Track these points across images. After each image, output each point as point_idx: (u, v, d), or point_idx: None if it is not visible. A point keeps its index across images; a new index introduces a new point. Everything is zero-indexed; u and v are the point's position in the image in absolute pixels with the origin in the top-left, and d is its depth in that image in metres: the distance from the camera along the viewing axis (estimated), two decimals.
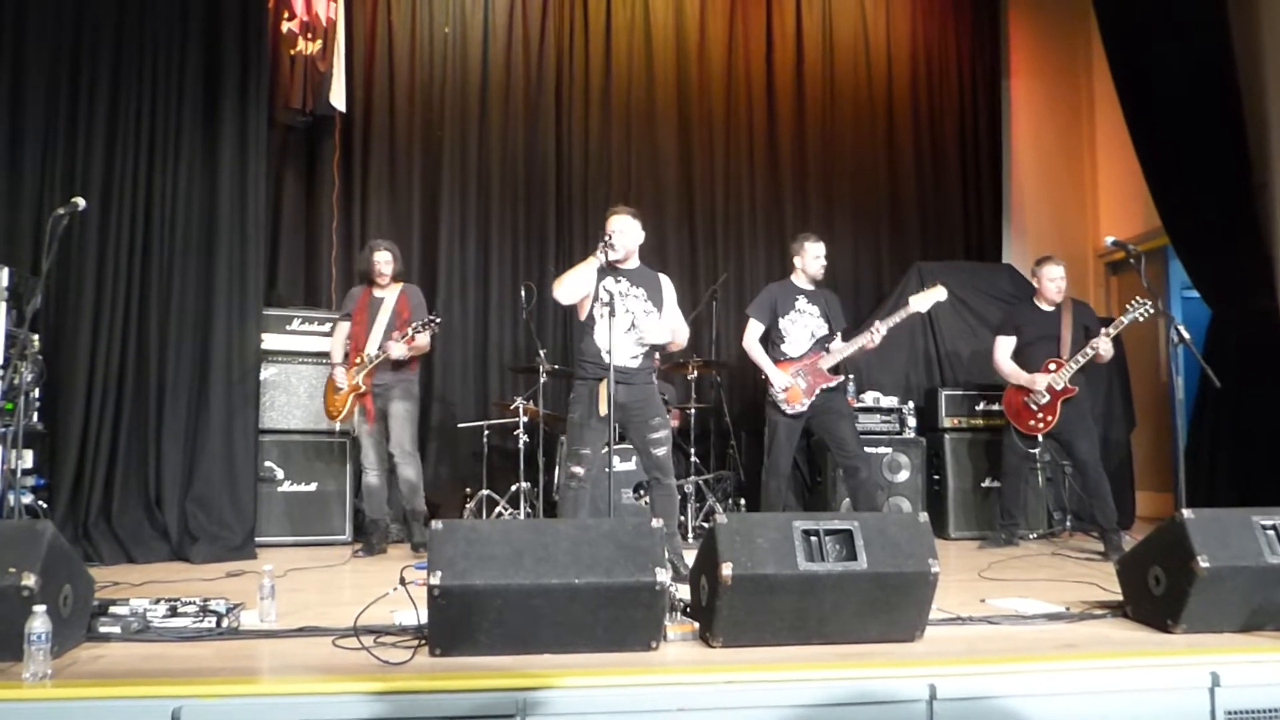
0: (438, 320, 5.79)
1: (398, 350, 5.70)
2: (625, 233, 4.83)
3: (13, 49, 5.64)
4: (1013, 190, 9.00)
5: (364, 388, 5.76)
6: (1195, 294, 7.06)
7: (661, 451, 4.80)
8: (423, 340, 5.87)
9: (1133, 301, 5.58)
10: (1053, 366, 5.81)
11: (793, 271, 5.88)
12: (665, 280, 5.04)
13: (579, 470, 4.69)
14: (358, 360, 5.79)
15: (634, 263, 4.94)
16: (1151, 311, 5.52)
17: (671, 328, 4.96)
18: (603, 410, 4.58)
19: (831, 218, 8.47)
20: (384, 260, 5.96)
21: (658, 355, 5.03)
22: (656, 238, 8.07)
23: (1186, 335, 4.87)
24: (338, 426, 5.99)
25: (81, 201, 4.42)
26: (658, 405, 4.87)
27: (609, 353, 4.48)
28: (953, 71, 8.93)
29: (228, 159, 5.97)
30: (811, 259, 5.79)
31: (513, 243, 7.90)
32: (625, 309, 4.77)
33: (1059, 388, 5.77)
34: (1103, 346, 5.69)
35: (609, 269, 4.81)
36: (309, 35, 6.91)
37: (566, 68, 8.11)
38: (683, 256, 8.20)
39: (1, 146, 5.57)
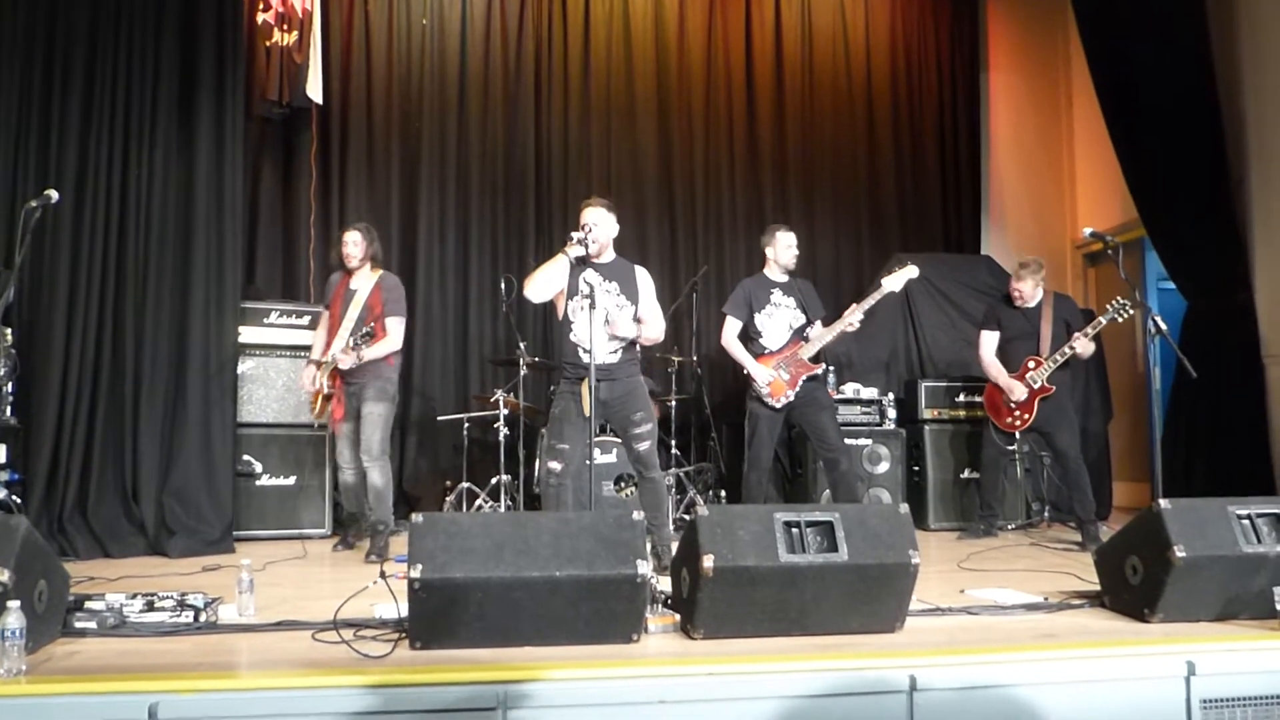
0: (368, 334, 5.25)
1: (347, 362, 5.29)
2: (601, 225, 4.73)
3: None
4: (991, 182, 9.04)
5: (328, 389, 5.46)
6: (1171, 285, 7.11)
7: (644, 446, 4.73)
8: (384, 346, 5.39)
9: (1113, 302, 5.61)
10: (1031, 365, 5.85)
11: (765, 264, 5.86)
12: (642, 272, 4.95)
13: (556, 466, 4.63)
14: (325, 359, 5.47)
15: (609, 255, 4.86)
16: (1131, 312, 5.57)
17: (645, 321, 4.86)
18: (586, 410, 4.55)
19: (811, 210, 8.48)
20: (351, 240, 5.56)
21: (638, 348, 4.99)
22: (636, 230, 8.08)
23: (1164, 327, 4.90)
24: (315, 422, 5.85)
25: (54, 194, 4.37)
26: (641, 400, 4.78)
27: (587, 351, 4.43)
28: (932, 65, 8.95)
29: (204, 151, 5.92)
30: (784, 248, 5.77)
31: (492, 236, 7.87)
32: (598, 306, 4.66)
33: (1036, 386, 5.80)
34: (1079, 346, 5.73)
35: (583, 263, 4.74)
36: (285, 26, 6.86)
37: (545, 60, 8.09)
38: (662, 249, 8.20)
39: None
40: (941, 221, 8.78)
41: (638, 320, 4.83)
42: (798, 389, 5.60)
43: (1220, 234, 6.56)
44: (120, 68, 5.80)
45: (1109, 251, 5.26)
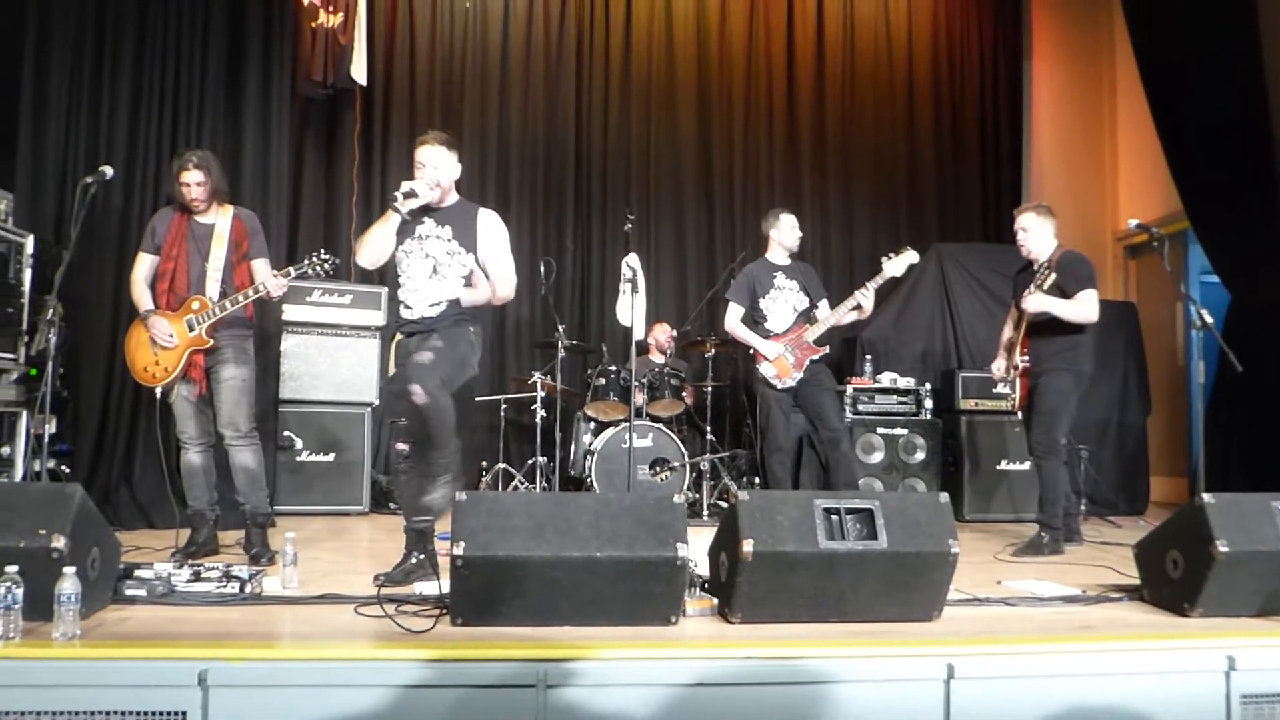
0: (333, 260, 4.55)
1: (279, 285, 4.46)
2: (440, 167, 4.08)
3: (37, 19, 5.67)
4: (1032, 172, 8.96)
5: (210, 341, 4.47)
6: (1215, 279, 7.04)
7: (419, 358, 3.90)
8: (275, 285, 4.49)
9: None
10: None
11: (767, 249, 5.89)
12: (486, 217, 4.22)
13: (404, 447, 4.08)
14: (194, 305, 4.46)
15: (450, 199, 4.19)
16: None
17: (492, 277, 4.21)
18: (390, 370, 4.26)
19: (850, 198, 8.46)
20: (194, 180, 4.46)
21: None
22: (675, 216, 8.12)
23: (1209, 320, 4.84)
24: (159, 391, 4.55)
25: (109, 170, 4.44)
26: (444, 350, 3.97)
27: (409, 306, 4.06)
28: (974, 52, 8.88)
29: (250, 131, 6.02)
30: (788, 230, 5.82)
31: (531, 219, 7.92)
32: (424, 253, 4.07)
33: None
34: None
35: (422, 211, 4.09)
36: (330, 8, 6.92)
37: (587, 44, 8.11)
38: (700, 234, 8.22)
39: (25, 116, 5.62)
40: (981, 211, 8.74)
41: (477, 272, 4.21)
42: (804, 371, 5.65)
43: (1265, 225, 6.47)
44: (169, 47, 5.90)
45: (1154, 243, 5.18)
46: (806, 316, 5.77)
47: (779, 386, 5.66)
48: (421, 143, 4.11)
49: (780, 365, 5.64)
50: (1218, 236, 6.83)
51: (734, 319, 5.80)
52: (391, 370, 4.17)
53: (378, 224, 4.02)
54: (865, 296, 5.62)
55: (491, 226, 4.20)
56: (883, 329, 7.22)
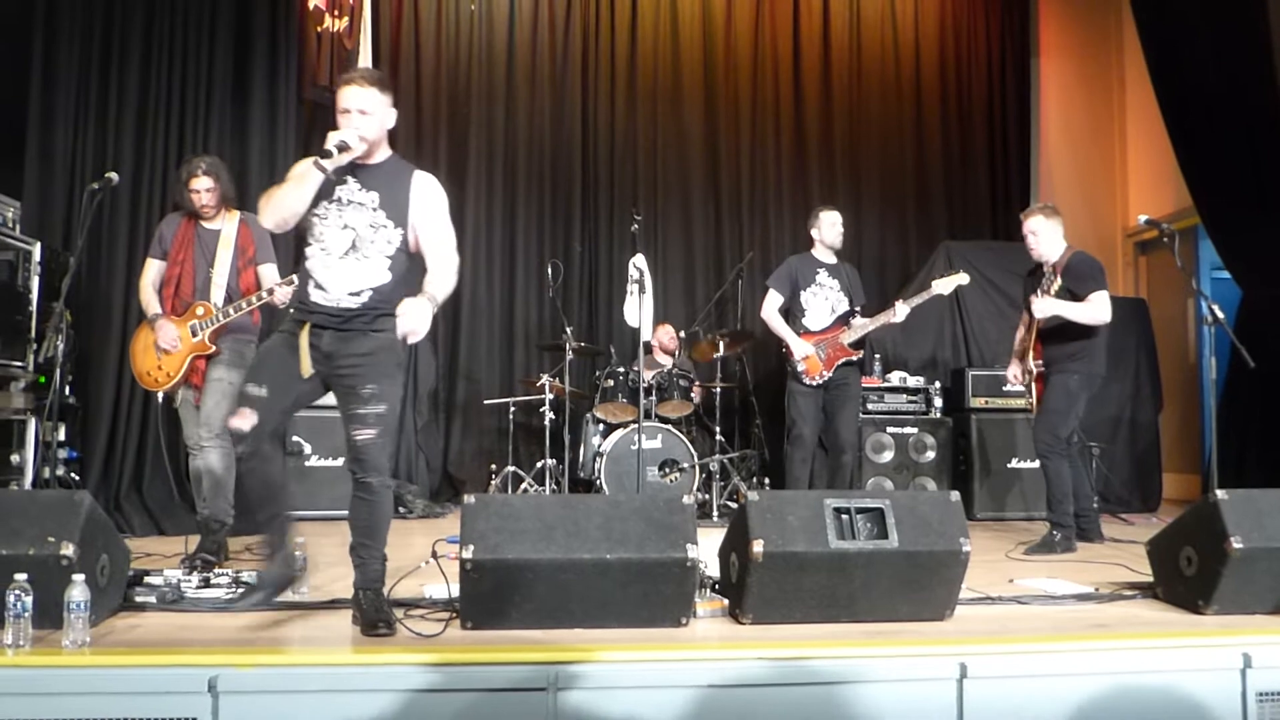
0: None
1: (286, 291, 4.33)
2: (371, 113, 3.22)
3: (45, 27, 5.69)
4: (1041, 169, 8.92)
5: (212, 348, 4.44)
6: (1226, 275, 7.00)
7: (366, 435, 3.23)
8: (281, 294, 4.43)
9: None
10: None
11: (812, 245, 5.87)
12: (422, 182, 3.39)
13: (243, 425, 3.25)
14: (199, 311, 4.44)
15: (380, 155, 3.36)
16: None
17: (430, 260, 3.43)
18: (305, 370, 3.28)
19: (858, 197, 8.43)
20: (205, 187, 4.47)
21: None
22: (682, 216, 8.10)
23: (1220, 315, 4.81)
24: (161, 397, 4.61)
25: (115, 176, 4.45)
26: (380, 369, 3.28)
27: (322, 288, 3.27)
28: (981, 50, 8.85)
29: (257, 135, 6.04)
30: (828, 227, 5.78)
31: (538, 220, 7.91)
32: (343, 223, 3.27)
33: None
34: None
35: (345, 167, 3.27)
36: (336, 12, 6.91)
37: (593, 45, 8.10)
38: (708, 235, 8.20)
39: (33, 124, 5.65)
40: (989, 208, 8.69)
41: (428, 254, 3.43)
42: (833, 371, 5.64)
43: (1277, 221, 6.44)
44: (175, 53, 5.93)
45: (1165, 239, 5.13)
46: (845, 320, 5.74)
47: (808, 383, 5.65)
48: (347, 82, 3.24)
49: (810, 364, 5.64)
50: (1228, 231, 6.80)
51: (771, 308, 5.78)
52: (304, 364, 3.28)
53: (293, 181, 3.25)
54: (903, 312, 5.62)
55: (428, 194, 3.39)
56: (891, 328, 7.18)
